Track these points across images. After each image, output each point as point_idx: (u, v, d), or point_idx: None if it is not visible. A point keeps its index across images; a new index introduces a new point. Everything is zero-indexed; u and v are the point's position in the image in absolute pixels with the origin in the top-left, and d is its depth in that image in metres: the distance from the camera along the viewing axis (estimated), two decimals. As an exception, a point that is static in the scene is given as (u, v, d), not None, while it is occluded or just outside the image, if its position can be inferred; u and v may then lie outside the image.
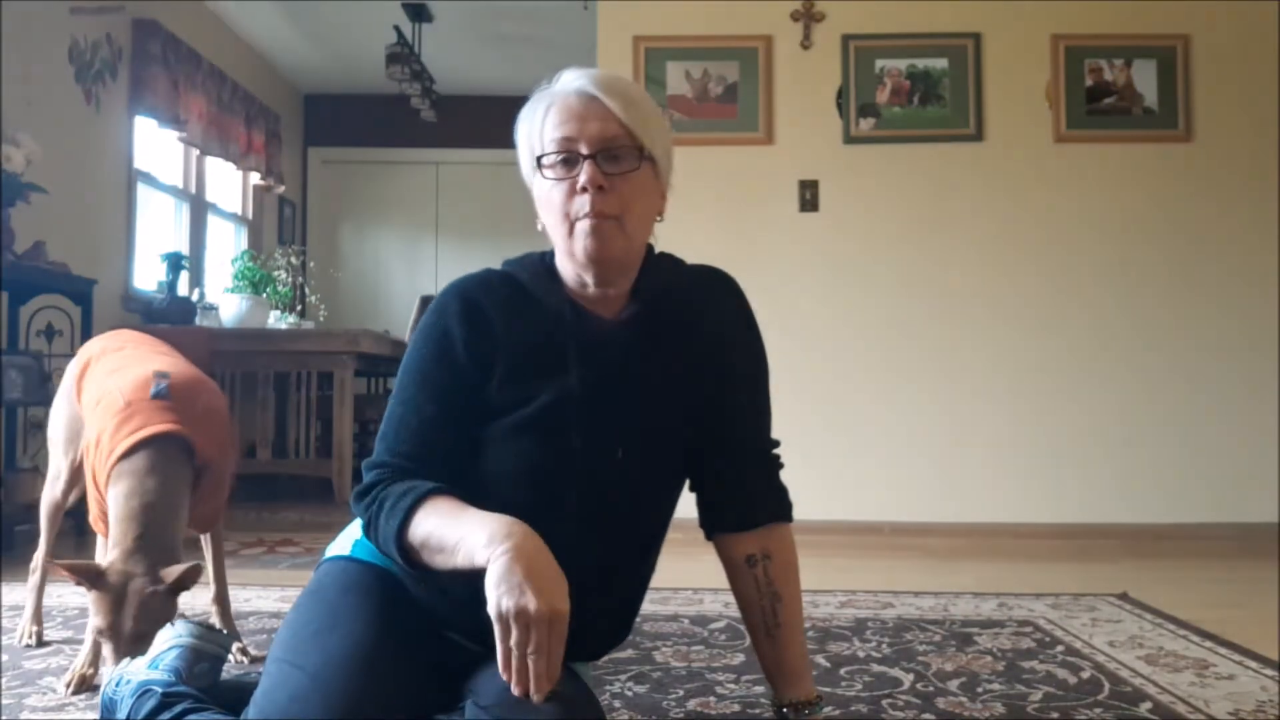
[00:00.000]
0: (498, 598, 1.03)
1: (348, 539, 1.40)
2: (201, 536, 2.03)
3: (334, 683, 1.12)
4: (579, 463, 1.26)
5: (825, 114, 3.84)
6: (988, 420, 3.75)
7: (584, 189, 1.20)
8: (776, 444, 1.41)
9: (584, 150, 1.21)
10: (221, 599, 2.04)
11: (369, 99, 6.90)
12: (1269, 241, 3.72)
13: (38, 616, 2.12)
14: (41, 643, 2.09)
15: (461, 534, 1.10)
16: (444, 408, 1.24)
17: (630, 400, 1.28)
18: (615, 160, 1.21)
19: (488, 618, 1.03)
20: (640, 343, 1.30)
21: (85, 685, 1.78)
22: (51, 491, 2.05)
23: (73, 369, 2.03)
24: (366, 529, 1.22)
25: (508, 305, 1.28)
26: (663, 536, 1.41)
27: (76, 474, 2.00)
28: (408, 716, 1.17)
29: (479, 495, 1.18)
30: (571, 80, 1.24)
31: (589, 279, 1.26)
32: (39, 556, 2.10)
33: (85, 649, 1.82)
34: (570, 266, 1.27)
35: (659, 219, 1.32)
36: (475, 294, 1.28)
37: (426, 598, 1.29)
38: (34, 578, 2.13)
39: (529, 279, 1.30)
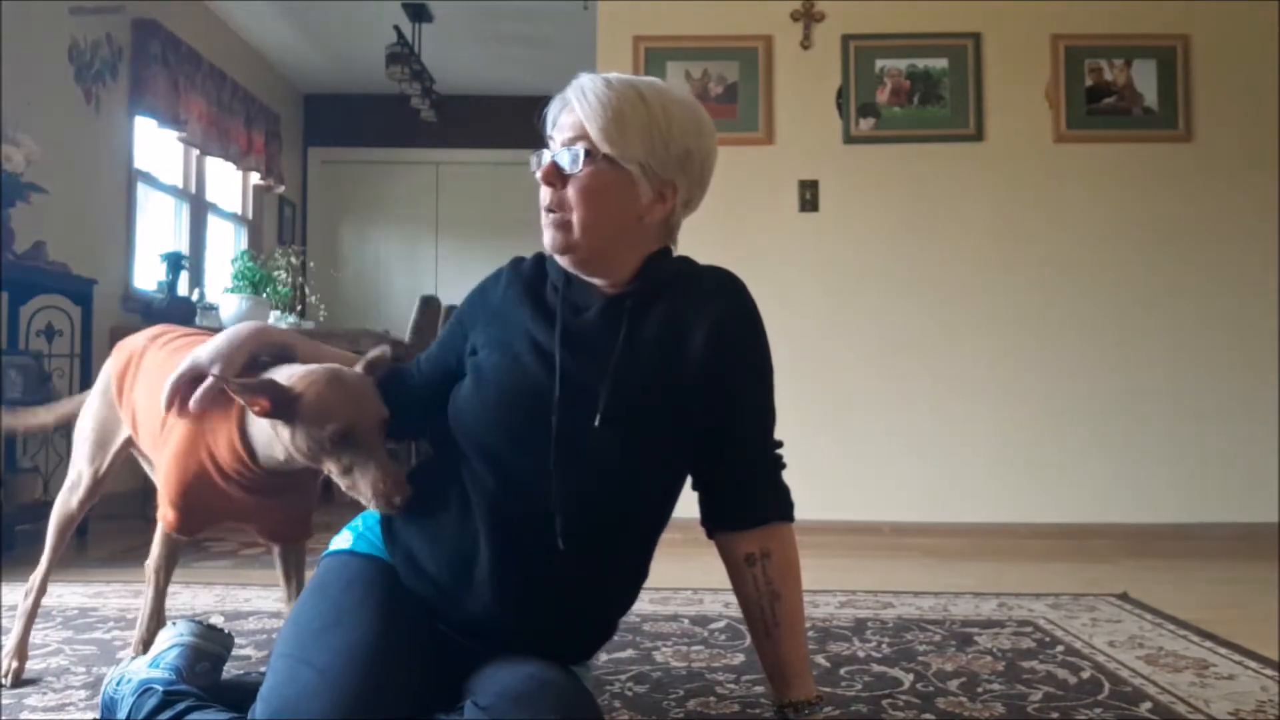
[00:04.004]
0: None
1: (349, 533, 1.42)
2: (276, 550, 1.66)
3: (342, 680, 1.15)
4: (557, 421, 1.27)
5: (825, 114, 3.84)
6: (987, 420, 3.75)
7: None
8: (779, 444, 1.41)
9: (552, 149, 1.33)
10: None
11: (369, 99, 6.90)
12: (1269, 241, 3.72)
13: (22, 650, 1.80)
14: (19, 682, 1.77)
15: None
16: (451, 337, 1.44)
17: (611, 369, 1.30)
18: (570, 161, 1.30)
19: (473, 613, 1.03)
20: (631, 318, 1.33)
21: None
22: (67, 501, 1.77)
23: (112, 366, 1.73)
24: None
25: (537, 267, 1.43)
26: (653, 536, 1.42)
27: (99, 484, 1.75)
28: (411, 712, 1.18)
29: (460, 438, 1.33)
30: (571, 83, 1.34)
31: (561, 263, 1.38)
32: (37, 576, 1.81)
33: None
34: None
35: (656, 224, 1.34)
36: (522, 257, 1.46)
37: (415, 587, 1.31)
38: (26, 601, 1.80)
39: (548, 258, 1.41)
